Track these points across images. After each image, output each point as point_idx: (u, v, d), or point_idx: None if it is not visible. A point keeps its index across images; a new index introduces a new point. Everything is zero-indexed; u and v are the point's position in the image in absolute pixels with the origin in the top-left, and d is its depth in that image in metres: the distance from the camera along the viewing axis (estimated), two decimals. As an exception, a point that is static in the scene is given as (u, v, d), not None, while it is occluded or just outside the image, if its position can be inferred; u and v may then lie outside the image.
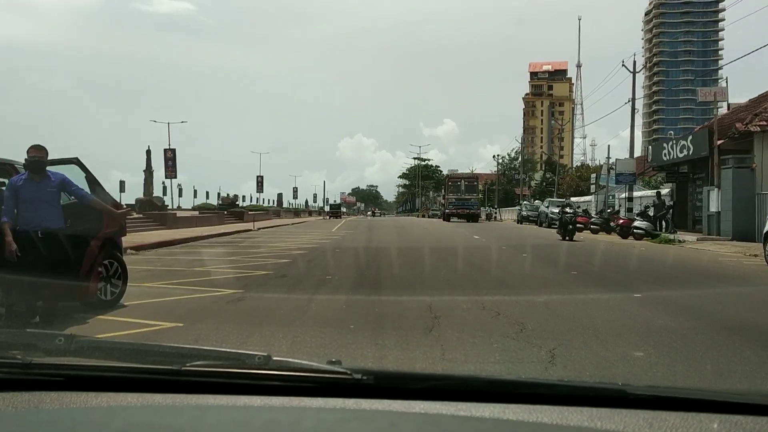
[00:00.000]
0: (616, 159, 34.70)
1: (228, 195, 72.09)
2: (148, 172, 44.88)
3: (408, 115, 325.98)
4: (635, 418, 1.53)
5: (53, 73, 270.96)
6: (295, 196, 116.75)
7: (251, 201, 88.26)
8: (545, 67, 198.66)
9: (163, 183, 79.73)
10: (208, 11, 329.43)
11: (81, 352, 1.97)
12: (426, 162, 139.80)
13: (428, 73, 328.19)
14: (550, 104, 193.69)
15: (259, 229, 36.61)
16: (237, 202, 70.96)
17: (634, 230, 26.13)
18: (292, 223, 49.20)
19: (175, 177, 57.94)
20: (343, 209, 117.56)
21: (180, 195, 79.96)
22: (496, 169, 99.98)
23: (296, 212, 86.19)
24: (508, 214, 79.36)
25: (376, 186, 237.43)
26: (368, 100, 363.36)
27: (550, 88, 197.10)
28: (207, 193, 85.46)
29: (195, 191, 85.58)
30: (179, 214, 41.78)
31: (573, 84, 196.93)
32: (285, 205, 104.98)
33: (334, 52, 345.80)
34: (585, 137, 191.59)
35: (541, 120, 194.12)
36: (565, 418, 1.54)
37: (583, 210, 36.65)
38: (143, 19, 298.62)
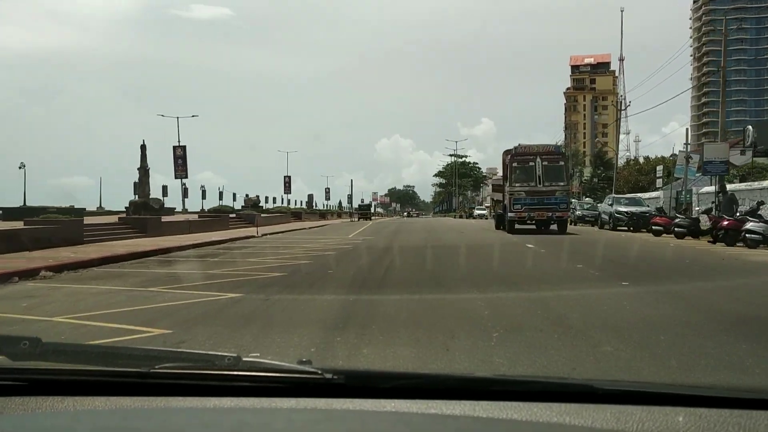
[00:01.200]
0: (704, 143, 27.54)
1: (249, 196, 67.81)
2: (143, 170, 38.92)
3: (445, 115, 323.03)
4: (603, 413, 1.56)
5: (94, 80, 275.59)
6: (327, 197, 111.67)
7: (281, 202, 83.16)
8: (587, 60, 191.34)
9: (184, 184, 75.62)
10: (245, 17, 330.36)
11: (46, 356, 1.88)
12: (463, 159, 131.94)
13: (465, 71, 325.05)
14: (592, 98, 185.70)
15: (263, 235, 30.56)
16: (261, 204, 66.61)
17: (747, 235, 19.30)
18: (309, 227, 43.02)
19: (186, 176, 53.20)
20: (380, 210, 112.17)
21: (186, 196, 75.54)
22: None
23: (322, 214, 79.33)
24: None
25: (413, 186, 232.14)
26: (405, 101, 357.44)
27: (593, 81, 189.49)
28: (234, 194, 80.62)
29: (203, 192, 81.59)
30: (170, 218, 35.89)
31: (616, 77, 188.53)
32: (320, 206, 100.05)
33: (371, 53, 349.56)
34: (629, 133, 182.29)
35: (584, 115, 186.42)
36: (535, 414, 1.56)
37: (656, 208, 29.83)
38: (182, 26, 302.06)
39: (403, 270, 13.50)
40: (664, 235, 24.96)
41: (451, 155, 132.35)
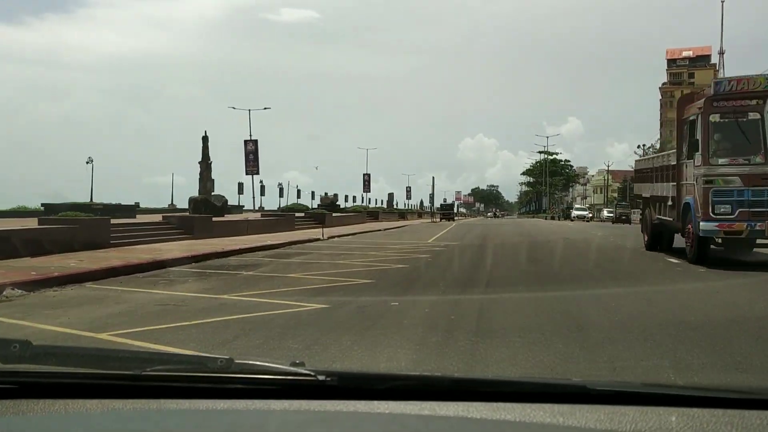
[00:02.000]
0: None
1: (327, 195, 64.40)
2: (204, 164, 35.64)
3: (530, 114, 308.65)
4: (597, 413, 1.55)
5: (187, 83, 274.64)
6: (408, 197, 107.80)
7: (361, 201, 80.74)
8: (685, 53, 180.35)
9: (262, 182, 73.26)
10: (331, 19, 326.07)
11: (37, 358, 1.86)
12: (554, 156, 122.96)
13: (551, 69, 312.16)
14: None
15: (329, 238, 26.65)
16: (338, 203, 63.25)
17: None
18: (385, 229, 38.82)
19: (257, 173, 48.89)
20: (462, 210, 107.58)
21: (263, 194, 72.22)
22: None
23: (402, 214, 75.20)
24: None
25: (497, 186, 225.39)
26: (489, 100, 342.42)
27: (691, 76, 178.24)
28: (312, 193, 77.51)
29: (280, 190, 78.53)
30: (229, 217, 32.39)
31: (717, 71, 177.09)
32: (401, 206, 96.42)
33: (455, 53, 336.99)
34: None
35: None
36: (528, 415, 1.56)
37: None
38: (270, 28, 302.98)
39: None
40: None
41: (540, 152, 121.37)
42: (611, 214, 68.37)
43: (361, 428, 1.47)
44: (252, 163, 47.95)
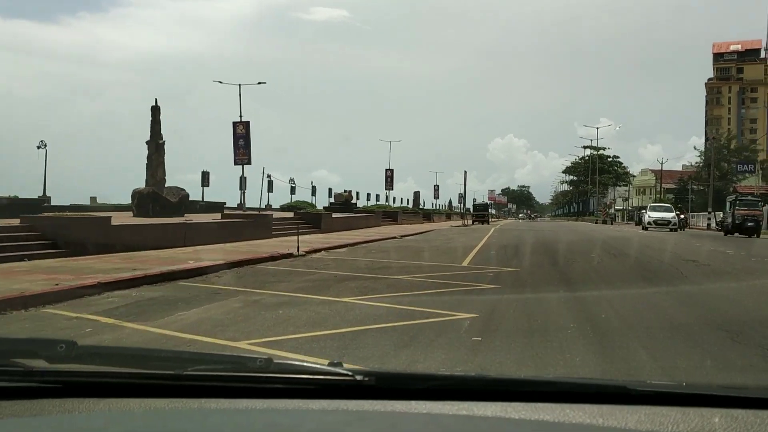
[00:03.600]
0: None
1: (345, 191, 54.93)
2: (154, 144, 25.87)
3: (562, 115, 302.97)
4: (636, 414, 1.53)
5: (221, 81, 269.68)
6: (436, 196, 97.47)
7: (384, 200, 69.91)
8: (733, 47, 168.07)
9: (269, 176, 62.02)
10: (363, 18, 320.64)
11: (82, 358, 1.87)
12: (601, 151, 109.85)
13: (584, 69, 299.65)
14: (740, 90, 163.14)
15: (307, 253, 16.96)
16: (353, 201, 54.51)
17: None
18: (400, 236, 28.28)
19: (249, 162, 37.87)
20: (492, 211, 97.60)
21: (270, 190, 60.98)
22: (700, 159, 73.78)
23: (427, 214, 63.38)
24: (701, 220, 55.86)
25: (528, 186, 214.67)
26: (520, 100, 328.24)
27: (740, 71, 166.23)
28: (330, 190, 66.71)
29: (292, 188, 68.33)
30: (166, 220, 22.57)
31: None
32: (428, 205, 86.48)
33: (488, 52, 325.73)
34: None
35: (729, 109, 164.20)
36: (566, 415, 1.54)
37: None
38: (302, 27, 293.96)
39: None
40: None
41: (586, 147, 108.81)
42: (668, 215, 46.32)
43: (398, 428, 1.45)
44: (242, 151, 37.08)
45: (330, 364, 1.80)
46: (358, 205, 54.22)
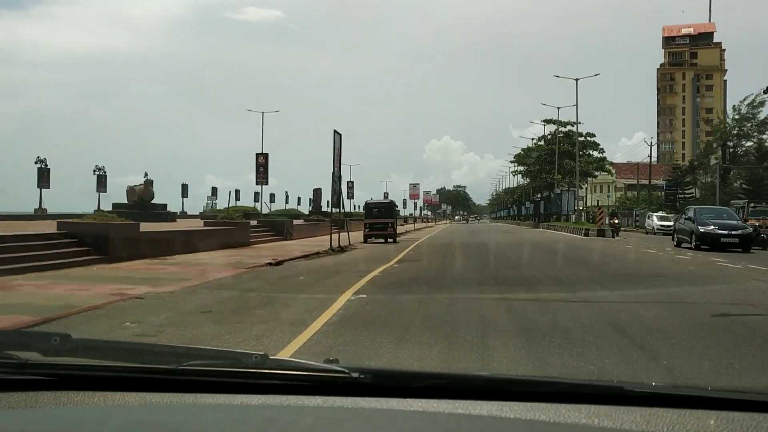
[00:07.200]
0: None
1: (136, 186, 53.47)
2: None
3: (497, 117, 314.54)
4: (632, 415, 1.51)
5: (149, 82, 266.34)
6: (350, 195, 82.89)
7: (254, 200, 68.27)
8: (685, 31, 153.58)
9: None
10: (296, 19, 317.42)
11: (77, 351, 1.87)
12: (568, 127, 75.35)
13: (519, 72, 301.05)
14: (694, 76, 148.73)
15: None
16: (160, 202, 53.24)
17: None
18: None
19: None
20: (427, 213, 79.20)
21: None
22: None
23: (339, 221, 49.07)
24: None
25: (464, 187, 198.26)
26: (456, 103, 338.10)
27: (693, 55, 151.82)
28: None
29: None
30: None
31: (724, 50, 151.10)
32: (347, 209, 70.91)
33: (422, 55, 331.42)
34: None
35: (683, 97, 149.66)
36: (562, 415, 1.52)
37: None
38: (234, 27, 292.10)
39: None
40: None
41: (547, 121, 77.80)
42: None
43: (394, 426, 1.41)
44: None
45: (326, 361, 1.76)
46: (166, 208, 48.99)
